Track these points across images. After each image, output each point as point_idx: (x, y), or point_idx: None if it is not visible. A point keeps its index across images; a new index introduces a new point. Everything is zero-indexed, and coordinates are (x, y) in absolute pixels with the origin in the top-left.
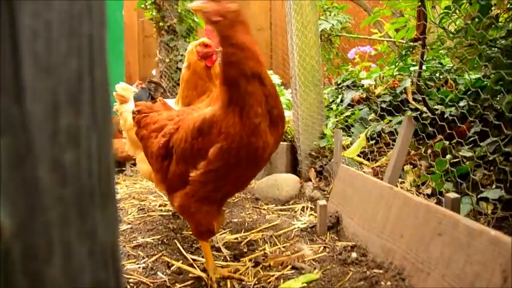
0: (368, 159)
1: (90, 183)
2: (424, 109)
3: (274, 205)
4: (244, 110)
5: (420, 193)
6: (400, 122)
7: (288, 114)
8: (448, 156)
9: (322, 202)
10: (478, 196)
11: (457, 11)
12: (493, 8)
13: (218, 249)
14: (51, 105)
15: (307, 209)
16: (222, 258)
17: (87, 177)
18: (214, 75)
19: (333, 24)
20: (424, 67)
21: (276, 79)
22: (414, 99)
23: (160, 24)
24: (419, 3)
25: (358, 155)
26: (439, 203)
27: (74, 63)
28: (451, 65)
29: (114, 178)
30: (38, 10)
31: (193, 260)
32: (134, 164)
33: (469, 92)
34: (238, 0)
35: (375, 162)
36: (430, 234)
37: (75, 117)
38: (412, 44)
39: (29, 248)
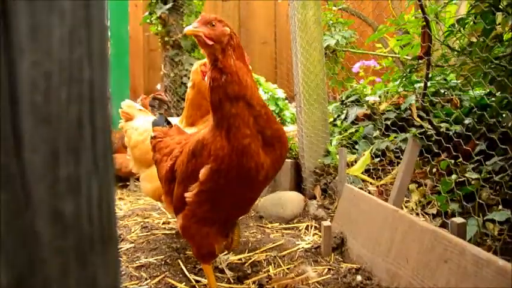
0: (372, 177)
1: (90, 230)
2: (429, 127)
3: (278, 223)
4: (231, 132)
5: (425, 213)
6: (404, 140)
7: (291, 128)
8: (454, 177)
9: (326, 223)
10: (485, 218)
11: (461, 30)
12: (497, 27)
13: (221, 271)
14: (50, 155)
15: (311, 228)
16: (226, 280)
17: (87, 224)
18: None
19: (337, 40)
20: (428, 83)
21: (280, 93)
22: (419, 116)
23: (166, 38)
24: (424, 23)
25: (363, 173)
26: (444, 223)
27: (74, 110)
28: (456, 81)
29: (115, 222)
30: (38, 59)
31: (197, 281)
32: (138, 179)
33: (473, 110)
34: (243, 12)
35: (380, 180)
36: (436, 260)
37: (75, 165)
38: (416, 62)
39: None
